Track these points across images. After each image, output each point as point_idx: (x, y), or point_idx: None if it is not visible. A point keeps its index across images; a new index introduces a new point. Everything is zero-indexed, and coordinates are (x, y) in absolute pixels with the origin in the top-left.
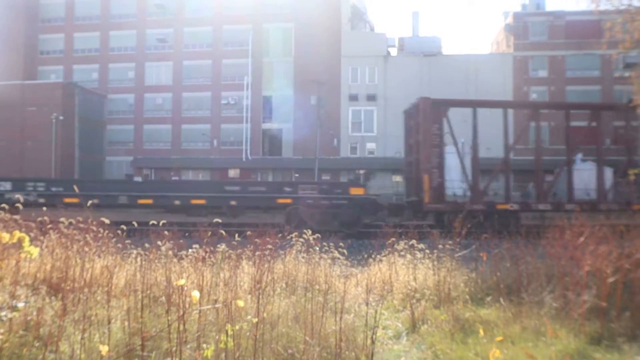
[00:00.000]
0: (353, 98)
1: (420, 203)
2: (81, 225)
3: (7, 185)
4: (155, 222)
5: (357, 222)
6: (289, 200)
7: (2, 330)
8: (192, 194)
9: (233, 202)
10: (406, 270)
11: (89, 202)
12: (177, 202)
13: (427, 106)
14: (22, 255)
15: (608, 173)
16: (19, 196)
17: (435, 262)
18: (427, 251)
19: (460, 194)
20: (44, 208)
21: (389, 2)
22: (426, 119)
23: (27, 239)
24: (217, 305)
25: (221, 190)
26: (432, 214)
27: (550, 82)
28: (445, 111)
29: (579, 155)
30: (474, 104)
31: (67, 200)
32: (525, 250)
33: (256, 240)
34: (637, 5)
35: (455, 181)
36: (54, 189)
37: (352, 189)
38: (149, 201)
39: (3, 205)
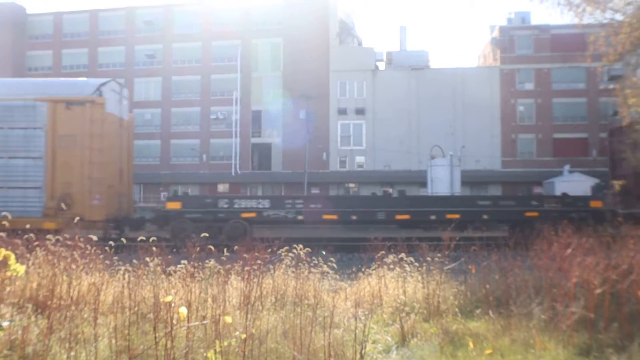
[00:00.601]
0: (342, 112)
1: None
2: (68, 242)
3: (266, 203)
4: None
5: (596, 232)
6: (536, 214)
7: None
8: (448, 209)
9: (485, 216)
10: (395, 283)
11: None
12: (432, 217)
13: None
14: (8, 274)
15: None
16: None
17: (425, 275)
18: (417, 264)
19: None
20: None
21: (377, 16)
22: None
23: (12, 256)
24: (205, 322)
25: (474, 205)
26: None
27: (537, 95)
28: None
29: (566, 167)
30: None
31: (326, 217)
32: (513, 263)
33: (245, 255)
34: (620, 19)
35: None
36: (312, 205)
37: (592, 202)
38: (407, 217)
39: None
